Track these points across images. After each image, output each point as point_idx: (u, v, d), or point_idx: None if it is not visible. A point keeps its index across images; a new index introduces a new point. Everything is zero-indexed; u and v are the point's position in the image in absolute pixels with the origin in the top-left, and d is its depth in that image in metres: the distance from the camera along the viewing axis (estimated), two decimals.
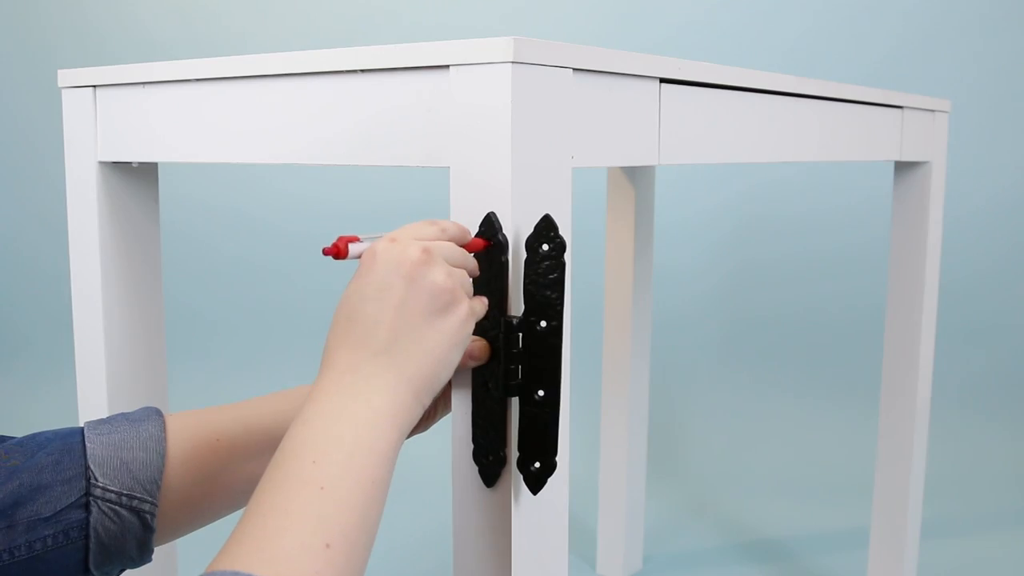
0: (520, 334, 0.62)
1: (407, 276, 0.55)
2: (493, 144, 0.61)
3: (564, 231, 0.65)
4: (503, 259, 0.61)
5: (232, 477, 0.66)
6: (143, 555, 0.63)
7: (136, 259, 0.94)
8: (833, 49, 2.55)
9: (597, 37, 2.58)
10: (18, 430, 2.36)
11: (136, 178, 0.93)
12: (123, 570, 0.63)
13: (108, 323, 0.91)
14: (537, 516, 0.66)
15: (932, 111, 1.27)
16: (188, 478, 0.64)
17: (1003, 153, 2.55)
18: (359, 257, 0.58)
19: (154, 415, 0.65)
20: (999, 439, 2.26)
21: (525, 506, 0.64)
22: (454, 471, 0.67)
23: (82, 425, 0.64)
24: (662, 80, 0.76)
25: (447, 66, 0.63)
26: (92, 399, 0.93)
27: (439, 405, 0.74)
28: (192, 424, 0.66)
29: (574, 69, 0.65)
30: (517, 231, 0.62)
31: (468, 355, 0.62)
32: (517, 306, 0.63)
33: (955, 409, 2.34)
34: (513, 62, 0.60)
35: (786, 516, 1.87)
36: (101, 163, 0.89)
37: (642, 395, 1.61)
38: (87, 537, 0.59)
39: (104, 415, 0.92)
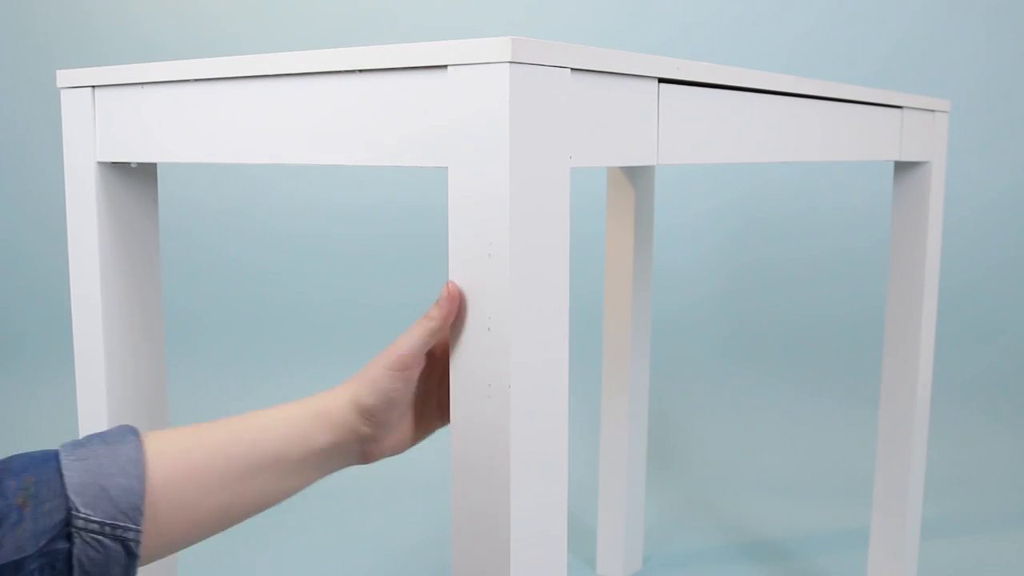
0: None
1: None
2: (491, 144, 0.61)
3: (563, 231, 0.65)
4: None
5: (209, 505, 0.64)
6: None
7: (135, 260, 0.94)
8: (833, 49, 2.55)
9: (597, 37, 2.58)
10: (18, 430, 2.36)
11: (135, 178, 0.93)
12: None
13: (107, 323, 0.91)
14: (537, 516, 0.66)
15: (932, 111, 1.27)
16: (164, 505, 0.62)
17: (1003, 153, 2.55)
18: None
19: (131, 436, 0.63)
20: (1000, 439, 2.26)
21: (525, 506, 0.64)
22: (454, 471, 0.67)
23: (57, 448, 0.61)
24: (661, 80, 0.76)
25: (445, 66, 0.63)
26: (91, 399, 0.93)
27: (436, 418, 0.74)
28: (169, 451, 0.64)
29: (572, 69, 0.65)
30: (515, 232, 0.62)
31: (450, 299, 0.63)
32: (507, 316, 0.63)
33: (955, 409, 2.34)
34: (511, 62, 0.59)
35: (786, 516, 1.87)
36: (100, 163, 0.89)
37: (642, 395, 1.61)
38: (71, 567, 0.58)
39: (103, 415, 0.92)
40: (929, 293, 1.32)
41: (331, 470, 0.69)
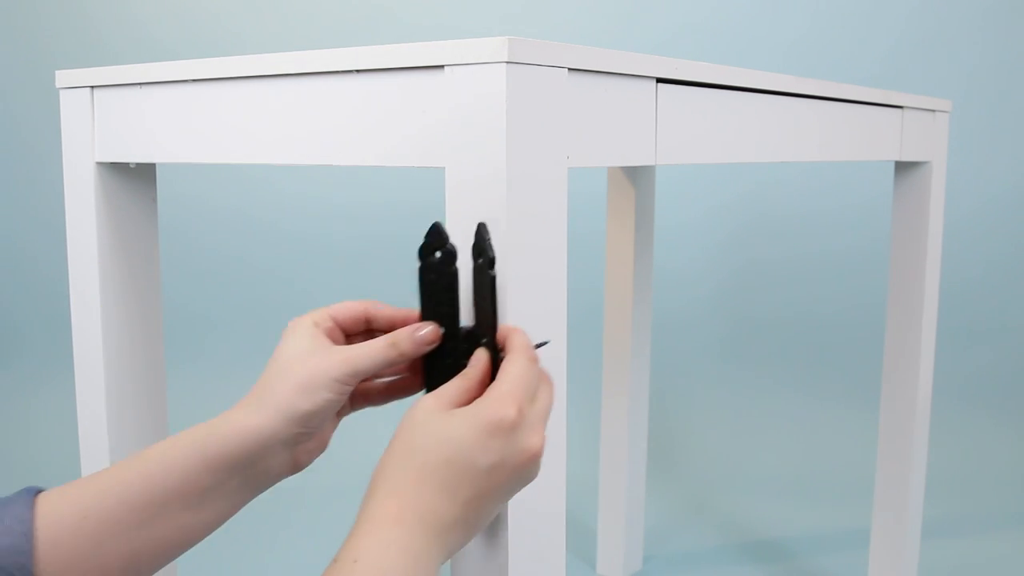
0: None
1: (521, 468, 0.56)
2: (488, 144, 0.61)
3: (561, 231, 0.65)
4: (452, 269, 0.60)
5: (112, 555, 0.60)
6: None
7: (134, 260, 0.94)
8: (833, 49, 2.55)
9: (595, 37, 2.58)
10: (17, 430, 2.36)
11: (134, 178, 0.93)
12: None
13: (106, 324, 0.91)
14: (534, 515, 0.66)
15: (932, 111, 1.27)
16: (62, 560, 0.59)
17: (1003, 153, 2.55)
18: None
19: (25, 495, 0.60)
20: (1000, 439, 2.26)
21: (522, 505, 0.64)
22: None
23: None
24: (659, 80, 0.76)
25: (442, 66, 0.63)
26: (90, 400, 0.93)
27: (346, 407, 0.69)
28: (61, 501, 0.60)
29: (569, 69, 0.65)
30: (513, 232, 0.62)
31: (422, 343, 0.61)
32: (506, 316, 0.63)
33: (956, 409, 2.33)
34: (508, 62, 0.59)
35: (786, 516, 1.87)
36: (99, 164, 0.89)
37: (642, 395, 1.61)
38: None
39: (103, 416, 0.92)
40: (929, 293, 1.31)
41: (261, 486, 0.64)
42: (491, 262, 0.59)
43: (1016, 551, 1.71)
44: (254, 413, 0.61)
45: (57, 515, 0.59)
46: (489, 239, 0.59)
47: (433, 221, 0.60)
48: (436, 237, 0.60)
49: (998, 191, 2.55)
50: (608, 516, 1.63)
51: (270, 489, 0.66)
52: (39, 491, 0.61)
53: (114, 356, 0.92)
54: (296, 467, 0.64)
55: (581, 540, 1.75)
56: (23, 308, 2.76)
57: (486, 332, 0.60)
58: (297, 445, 0.63)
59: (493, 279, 0.59)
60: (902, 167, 1.30)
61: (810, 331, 2.54)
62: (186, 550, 0.63)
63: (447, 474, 0.54)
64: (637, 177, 1.53)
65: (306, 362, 0.61)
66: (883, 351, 1.35)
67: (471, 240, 0.62)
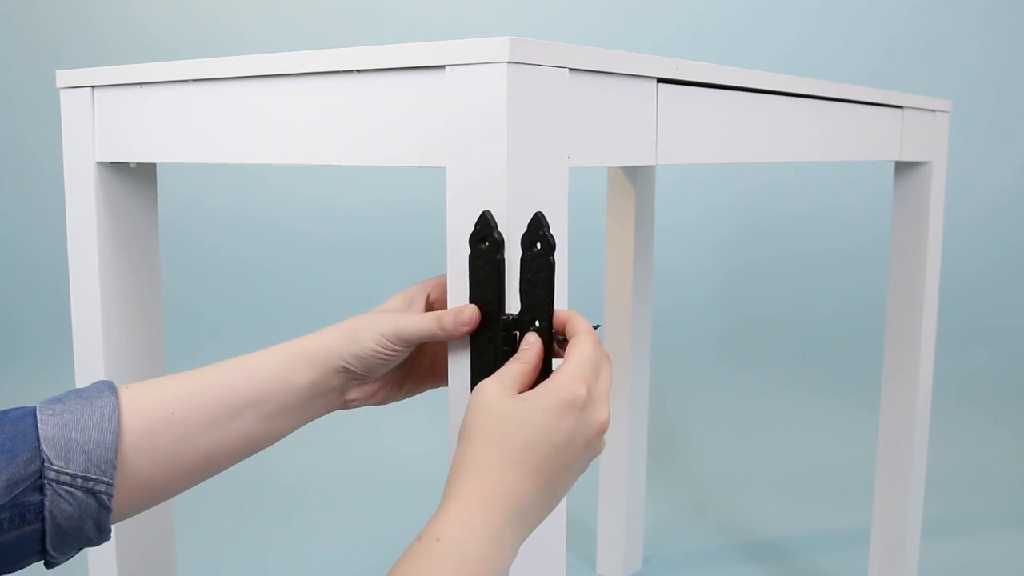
0: (516, 332, 0.62)
1: (590, 442, 0.59)
2: (489, 144, 0.61)
3: (561, 231, 0.65)
4: (498, 257, 0.61)
5: (190, 453, 0.64)
6: (101, 535, 0.62)
7: (134, 259, 0.94)
8: (833, 49, 2.55)
9: (596, 37, 2.58)
10: None
11: (134, 178, 0.93)
12: (80, 549, 0.62)
13: (107, 324, 0.91)
14: None
15: (932, 111, 1.27)
16: (143, 455, 0.62)
17: (1003, 153, 2.55)
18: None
19: (106, 390, 0.63)
20: (1000, 439, 2.26)
21: None
22: None
23: (35, 405, 0.62)
24: (659, 80, 0.76)
25: (443, 66, 0.63)
26: None
27: (426, 379, 0.74)
28: (145, 397, 0.64)
29: (570, 69, 0.65)
30: (513, 231, 0.62)
31: (462, 323, 0.63)
32: (513, 304, 0.63)
33: (956, 409, 2.33)
34: (509, 62, 0.59)
35: (786, 516, 1.87)
36: (99, 164, 0.89)
37: (642, 395, 1.61)
38: (43, 520, 0.59)
39: None
40: (929, 293, 1.31)
41: (314, 413, 0.69)
42: (551, 249, 0.61)
43: (1016, 551, 1.71)
44: (317, 344, 0.68)
45: (144, 410, 0.63)
46: (548, 227, 0.61)
47: (483, 210, 0.62)
48: (484, 226, 0.62)
49: (998, 191, 2.56)
50: (608, 516, 1.63)
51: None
52: (113, 386, 0.64)
53: (114, 356, 0.92)
54: (345, 404, 0.70)
55: (581, 540, 1.75)
56: (23, 308, 2.76)
57: (540, 317, 0.62)
58: (347, 384, 0.68)
59: (552, 265, 0.61)
60: (902, 167, 1.30)
61: (810, 331, 2.54)
62: (255, 452, 0.68)
63: (527, 456, 0.57)
64: (637, 177, 1.53)
65: (370, 315, 0.68)
66: (883, 351, 1.35)
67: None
